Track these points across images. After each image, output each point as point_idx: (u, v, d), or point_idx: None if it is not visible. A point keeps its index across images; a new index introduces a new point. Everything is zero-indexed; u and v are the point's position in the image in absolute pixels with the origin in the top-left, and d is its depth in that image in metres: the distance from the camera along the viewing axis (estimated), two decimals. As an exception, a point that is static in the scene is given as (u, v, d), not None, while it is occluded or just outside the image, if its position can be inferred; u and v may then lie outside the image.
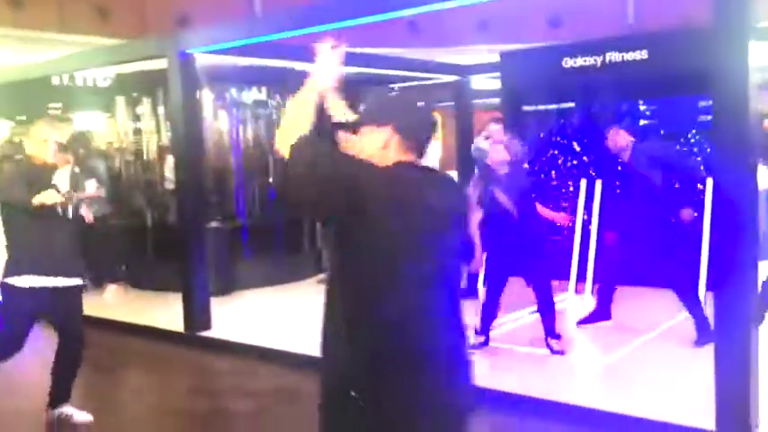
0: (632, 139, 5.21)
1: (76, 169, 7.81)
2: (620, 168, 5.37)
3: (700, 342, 4.96)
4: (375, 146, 2.05)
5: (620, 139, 5.21)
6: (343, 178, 1.91)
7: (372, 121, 2.07)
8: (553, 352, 5.02)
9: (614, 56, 7.01)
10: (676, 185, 5.28)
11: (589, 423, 4.01)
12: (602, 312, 5.56)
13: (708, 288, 5.90)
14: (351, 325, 1.97)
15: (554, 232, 7.25)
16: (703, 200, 6.02)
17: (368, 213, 1.90)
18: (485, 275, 5.38)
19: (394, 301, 1.95)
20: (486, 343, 5.19)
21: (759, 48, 3.50)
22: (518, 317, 5.86)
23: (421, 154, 2.09)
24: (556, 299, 6.26)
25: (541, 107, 7.57)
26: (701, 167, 6.45)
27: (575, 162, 7.25)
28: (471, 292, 6.53)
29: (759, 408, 3.63)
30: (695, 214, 5.38)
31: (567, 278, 6.79)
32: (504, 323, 5.68)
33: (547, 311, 5.08)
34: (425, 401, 1.95)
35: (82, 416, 4.36)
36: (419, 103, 2.14)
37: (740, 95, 3.45)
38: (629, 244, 5.28)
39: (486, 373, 4.79)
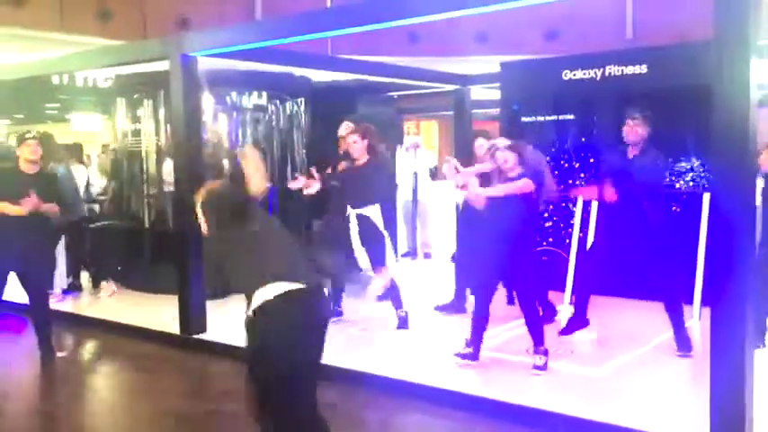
0: (644, 133, 5.11)
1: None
2: (622, 169, 5.16)
3: (681, 352, 5.14)
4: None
5: (640, 129, 5.10)
6: None
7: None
8: (534, 367, 4.88)
9: (614, 69, 7.06)
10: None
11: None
12: (579, 320, 5.45)
13: (704, 303, 5.95)
14: None
15: (549, 243, 7.31)
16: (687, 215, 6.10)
17: None
18: (472, 285, 5.32)
19: None
20: (475, 356, 5.05)
21: (760, 65, 3.55)
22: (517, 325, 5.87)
23: None
24: (557, 309, 6.30)
25: (540, 118, 7.61)
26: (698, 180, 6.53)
27: (573, 172, 7.28)
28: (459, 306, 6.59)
29: (753, 423, 3.66)
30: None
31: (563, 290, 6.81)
32: (505, 332, 5.69)
33: (531, 324, 4.96)
34: None
35: None
36: None
37: (741, 111, 3.49)
38: (621, 253, 5.17)
39: (476, 381, 4.83)
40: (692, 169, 6.63)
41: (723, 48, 3.54)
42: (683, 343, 5.18)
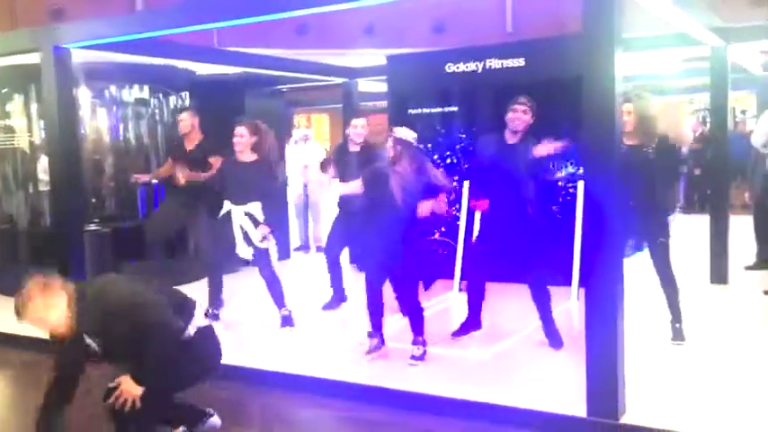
0: (531, 121, 5.09)
1: None
2: (502, 155, 5.12)
3: (554, 345, 5.17)
4: None
5: (527, 116, 5.05)
6: None
7: None
8: (412, 357, 4.91)
9: (494, 62, 7.29)
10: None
11: (464, 415, 4.17)
12: (472, 322, 5.51)
13: (580, 284, 6.26)
14: None
15: (433, 232, 7.46)
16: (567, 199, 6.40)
17: None
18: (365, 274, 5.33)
19: None
20: (381, 344, 5.07)
21: (626, 57, 3.76)
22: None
23: None
24: (439, 298, 6.45)
25: (426, 110, 7.75)
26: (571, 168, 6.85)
27: (457, 162, 7.47)
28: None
29: (625, 396, 3.89)
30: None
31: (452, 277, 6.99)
32: (399, 320, 5.76)
33: (411, 314, 4.99)
34: None
35: None
36: None
37: (607, 102, 3.69)
38: (504, 239, 5.15)
39: (369, 372, 4.88)
40: (568, 158, 6.94)
41: (590, 40, 3.73)
42: (554, 337, 5.19)
